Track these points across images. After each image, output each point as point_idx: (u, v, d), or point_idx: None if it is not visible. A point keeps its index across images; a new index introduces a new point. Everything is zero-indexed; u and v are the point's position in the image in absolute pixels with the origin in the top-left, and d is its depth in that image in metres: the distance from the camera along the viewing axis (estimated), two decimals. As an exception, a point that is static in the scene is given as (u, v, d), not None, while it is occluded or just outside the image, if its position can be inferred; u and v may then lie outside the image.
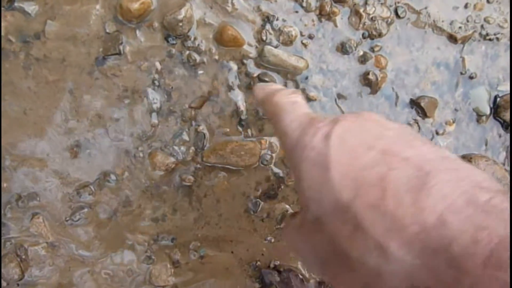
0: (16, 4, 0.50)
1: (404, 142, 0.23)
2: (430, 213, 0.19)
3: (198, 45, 0.52)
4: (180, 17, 0.49)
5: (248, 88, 0.52)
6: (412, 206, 0.20)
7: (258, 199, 0.53)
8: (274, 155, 0.53)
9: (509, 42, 0.55)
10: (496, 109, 0.55)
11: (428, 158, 0.22)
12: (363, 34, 0.53)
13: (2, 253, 0.52)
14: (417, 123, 0.54)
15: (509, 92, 0.55)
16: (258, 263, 0.53)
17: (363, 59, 0.53)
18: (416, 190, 0.20)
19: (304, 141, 0.25)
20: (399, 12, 0.53)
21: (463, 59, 0.55)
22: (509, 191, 0.20)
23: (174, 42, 0.52)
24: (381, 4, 0.53)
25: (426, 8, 0.53)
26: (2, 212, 0.51)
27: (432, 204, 0.19)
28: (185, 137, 0.52)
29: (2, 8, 0.50)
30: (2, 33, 0.51)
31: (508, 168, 0.56)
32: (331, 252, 0.23)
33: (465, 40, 0.55)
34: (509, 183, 0.56)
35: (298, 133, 0.26)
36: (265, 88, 0.35)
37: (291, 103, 0.29)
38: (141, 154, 0.52)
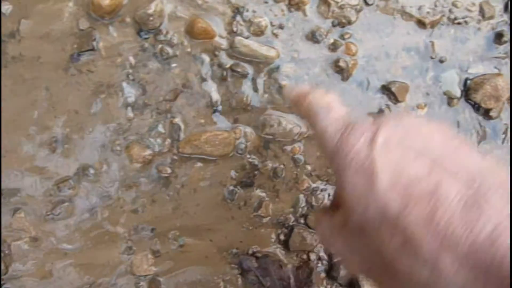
0: (-10, 4, 0.54)
1: (452, 150, 0.24)
2: (482, 229, 0.20)
3: (170, 38, 0.55)
4: (150, 11, 0.53)
5: (221, 79, 0.56)
6: (464, 222, 0.20)
7: (234, 188, 0.57)
8: (248, 144, 0.57)
9: (477, 25, 0.59)
10: (466, 91, 0.59)
11: (477, 169, 0.23)
12: (332, 22, 0.57)
13: (-15, 249, 0.55)
14: (389, 108, 0.58)
15: (479, 74, 0.59)
16: (237, 250, 0.57)
17: (333, 47, 0.57)
18: (467, 205, 0.21)
19: (346, 147, 0.25)
20: (367, -1, 0.57)
21: (433, 43, 0.59)
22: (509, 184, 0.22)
23: (147, 36, 0.55)
24: (348, -8, 0.56)
25: (393, -6, 0.57)
26: (-16, 208, 0.55)
27: (484, 220, 0.20)
28: (161, 129, 0.56)
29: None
30: (-22, 33, 0.55)
31: (480, 149, 0.59)
32: (377, 261, 0.24)
33: (433, 24, 0.58)
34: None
35: (337, 138, 0.27)
36: (295, 89, 0.36)
37: (325, 104, 0.30)
38: (118, 147, 0.56)
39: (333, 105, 0.30)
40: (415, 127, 0.26)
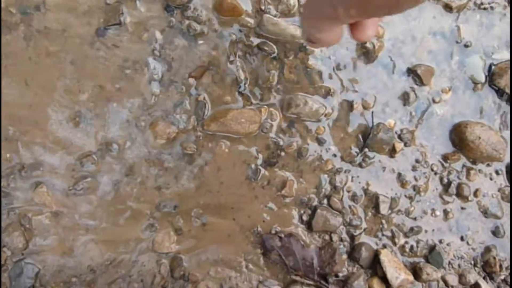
0: (17, -25, 0.53)
1: None
2: None
3: (198, 15, 0.55)
4: (180, -14, 0.53)
5: (247, 58, 0.56)
6: None
7: (258, 167, 0.57)
8: (274, 123, 0.57)
9: (503, 11, 0.59)
10: (491, 76, 0.60)
11: None
12: (360, 4, 0.57)
13: (6, 223, 0.55)
14: (414, 91, 0.58)
15: (504, 60, 0.59)
16: (259, 229, 0.57)
17: (360, 28, 0.57)
18: None
19: None
20: (395, -18, 0.57)
21: (459, 28, 0.59)
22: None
23: (174, 12, 0.55)
24: (377, -28, 0.56)
25: (421, -23, 0.57)
26: (6, 182, 0.55)
27: None
28: (186, 106, 0.56)
29: (4, -21, 0.53)
30: (3, 5, 0.54)
31: (503, 134, 0.60)
32: None
33: (460, 9, 0.59)
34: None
35: None
36: None
37: None
38: (142, 123, 0.56)
39: None
40: None
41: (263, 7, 0.56)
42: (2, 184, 0.55)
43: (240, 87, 0.57)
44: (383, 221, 0.59)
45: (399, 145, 0.59)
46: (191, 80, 0.57)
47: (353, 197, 0.59)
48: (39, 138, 0.56)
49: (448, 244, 0.61)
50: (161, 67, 0.56)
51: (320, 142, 0.58)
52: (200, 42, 0.57)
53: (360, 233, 0.59)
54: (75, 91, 0.56)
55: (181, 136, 0.57)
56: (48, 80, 0.56)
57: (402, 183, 0.60)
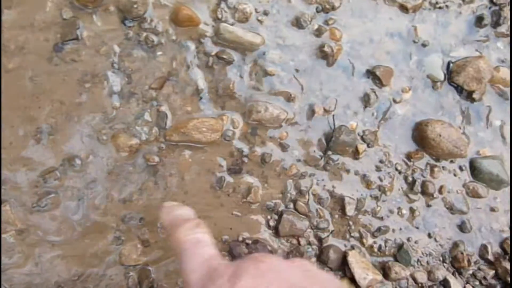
0: (-30, -6, 0.53)
1: None
2: None
3: (155, 26, 0.56)
4: (135, -1, 0.53)
5: (206, 67, 0.56)
6: None
7: (222, 175, 0.57)
8: (236, 130, 0.57)
9: (458, 9, 0.61)
10: (450, 74, 0.61)
11: None
12: (316, 8, 0.58)
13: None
14: (375, 92, 0.59)
15: (461, 57, 0.60)
16: (227, 237, 0.57)
17: (318, 33, 0.58)
18: None
19: None
20: (350, -15, 0.58)
21: (415, 28, 0.60)
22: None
23: (131, 24, 0.56)
24: (330, -23, 0.57)
25: (375, -20, 0.58)
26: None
27: None
28: (147, 117, 0.56)
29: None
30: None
31: (465, 131, 0.60)
32: None
33: (416, 9, 0.60)
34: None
35: None
36: (170, 214, 0.39)
37: (193, 244, 0.33)
38: (104, 137, 0.56)
39: (203, 243, 0.34)
40: (271, 274, 0.29)
41: (220, 16, 0.57)
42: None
43: (200, 96, 0.57)
44: (350, 222, 0.60)
45: (362, 147, 0.59)
46: (152, 92, 0.57)
47: (319, 200, 0.59)
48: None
49: (416, 242, 0.61)
50: (120, 80, 0.57)
51: (284, 147, 0.59)
52: (159, 53, 0.57)
53: (328, 236, 0.59)
54: (35, 108, 0.56)
55: (144, 147, 0.57)
56: (8, 97, 0.56)
57: (367, 183, 0.60)
